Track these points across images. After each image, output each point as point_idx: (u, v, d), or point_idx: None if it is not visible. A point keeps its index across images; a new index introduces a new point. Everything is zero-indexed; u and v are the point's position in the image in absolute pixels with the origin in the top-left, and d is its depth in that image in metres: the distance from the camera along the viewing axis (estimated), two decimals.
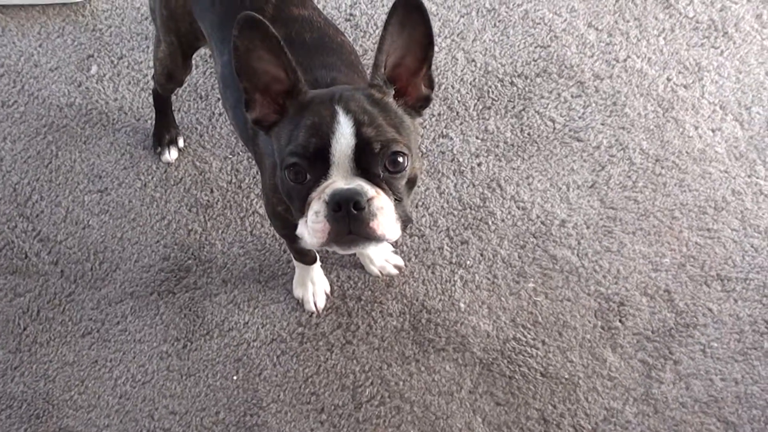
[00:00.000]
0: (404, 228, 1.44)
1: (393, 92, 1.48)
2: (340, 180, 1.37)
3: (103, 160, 2.46)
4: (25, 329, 2.21)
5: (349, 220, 1.35)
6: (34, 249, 2.32)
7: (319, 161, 1.37)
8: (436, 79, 2.50)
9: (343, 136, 1.34)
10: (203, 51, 2.21)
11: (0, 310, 2.24)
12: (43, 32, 2.70)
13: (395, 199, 1.41)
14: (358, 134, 1.35)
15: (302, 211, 1.43)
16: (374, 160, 1.37)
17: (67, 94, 2.57)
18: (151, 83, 2.52)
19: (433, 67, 2.47)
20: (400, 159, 1.38)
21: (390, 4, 2.66)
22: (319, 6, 2.62)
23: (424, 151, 2.46)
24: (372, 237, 1.38)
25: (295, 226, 1.59)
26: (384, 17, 2.59)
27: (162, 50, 2.11)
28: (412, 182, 1.45)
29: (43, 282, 2.28)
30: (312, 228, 1.40)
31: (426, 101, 1.52)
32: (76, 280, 2.28)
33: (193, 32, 1.98)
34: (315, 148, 1.36)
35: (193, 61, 2.22)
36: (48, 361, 2.18)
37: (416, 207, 2.37)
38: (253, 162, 2.41)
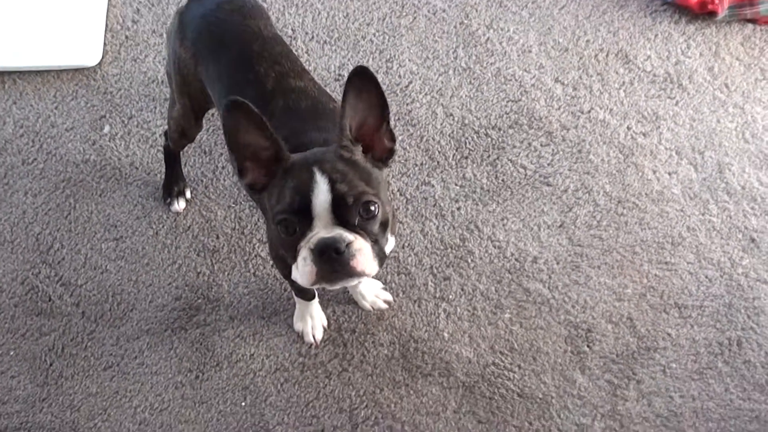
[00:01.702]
0: (381, 263, 1.64)
1: (360, 149, 1.66)
2: (322, 230, 1.57)
3: (117, 211, 2.60)
4: (51, 365, 2.36)
5: (332, 262, 1.56)
6: (57, 292, 2.47)
7: (303, 216, 1.57)
8: (418, 132, 2.71)
9: (321, 193, 1.55)
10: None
11: (28, 348, 2.38)
12: (59, 95, 2.83)
13: (372, 241, 1.61)
14: (333, 190, 1.55)
15: (294, 258, 1.63)
16: (349, 210, 1.56)
17: (82, 152, 2.71)
18: (160, 140, 2.68)
19: (414, 121, 2.72)
20: (372, 207, 1.58)
21: (374, 66, 2.90)
22: (311, 68, 2.79)
23: (409, 197, 2.60)
24: (353, 274, 1.59)
25: None
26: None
27: (176, 110, 2.27)
28: (384, 225, 1.65)
29: (66, 322, 2.42)
30: (302, 271, 1.60)
31: (390, 153, 1.69)
32: (97, 319, 2.43)
33: (204, 96, 2.13)
34: (299, 205, 1.56)
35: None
36: (73, 393, 2.32)
37: (402, 247, 2.51)
38: (254, 210, 2.57)
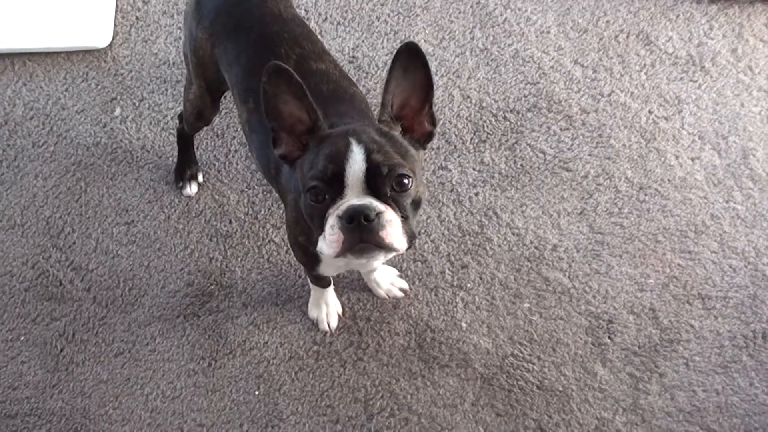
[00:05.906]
0: (410, 243, 1.57)
1: (400, 128, 1.62)
2: (353, 199, 1.52)
3: (128, 194, 2.57)
4: (61, 351, 2.34)
5: (361, 231, 1.50)
6: (68, 277, 2.44)
7: (335, 183, 1.52)
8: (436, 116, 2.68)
9: (356, 162, 1.50)
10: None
11: (38, 333, 2.36)
12: (69, 77, 2.79)
13: (402, 216, 1.55)
14: (369, 159, 1.50)
15: (321, 228, 1.57)
16: (382, 181, 1.51)
17: (93, 135, 2.68)
18: (171, 123, 2.65)
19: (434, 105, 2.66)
20: (405, 180, 1.53)
21: (388, 47, 2.84)
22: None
23: (425, 182, 2.57)
24: (381, 245, 1.52)
25: (314, 255, 1.78)
26: (384, 59, 2.79)
27: (193, 92, 2.23)
28: (416, 203, 1.59)
29: (77, 307, 2.40)
30: (329, 240, 1.54)
31: (430, 137, 1.66)
32: (108, 305, 2.40)
33: (219, 79, 2.09)
34: (332, 172, 1.51)
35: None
36: (84, 379, 2.30)
37: (419, 234, 2.46)
38: (268, 195, 2.53)
